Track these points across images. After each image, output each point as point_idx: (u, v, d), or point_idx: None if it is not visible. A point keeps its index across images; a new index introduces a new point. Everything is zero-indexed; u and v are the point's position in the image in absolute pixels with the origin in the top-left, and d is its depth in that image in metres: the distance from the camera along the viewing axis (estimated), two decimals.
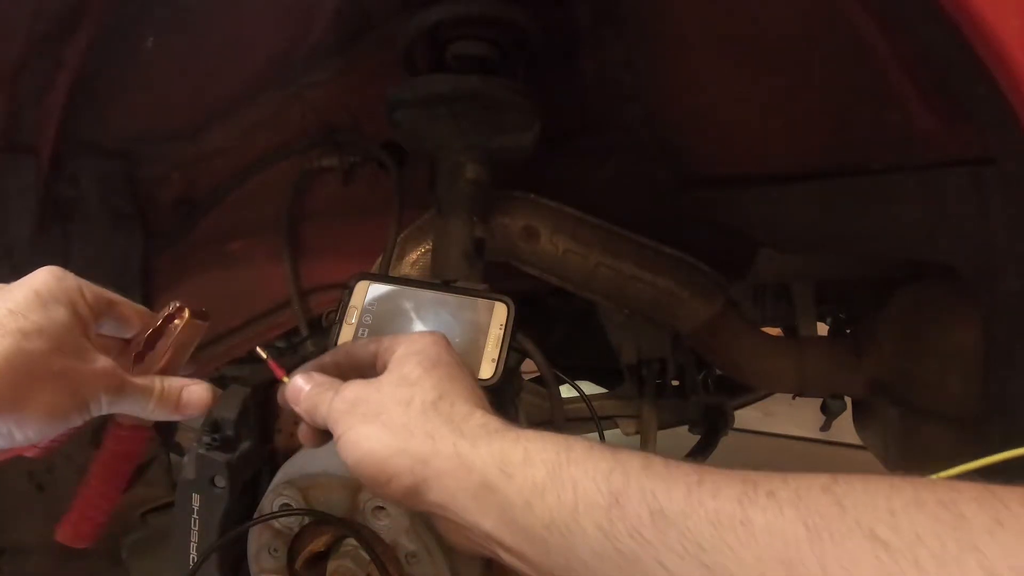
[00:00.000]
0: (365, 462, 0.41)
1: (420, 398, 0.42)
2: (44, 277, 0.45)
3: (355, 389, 0.45)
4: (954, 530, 0.24)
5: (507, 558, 0.38)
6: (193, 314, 0.52)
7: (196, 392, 0.50)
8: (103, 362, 0.45)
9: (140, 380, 0.48)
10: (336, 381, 0.47)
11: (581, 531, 0.33)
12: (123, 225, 0.93)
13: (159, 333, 0.51)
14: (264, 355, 0.55)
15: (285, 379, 0.51)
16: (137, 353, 0.51)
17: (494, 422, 0.40)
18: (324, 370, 0.51)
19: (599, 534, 0.32)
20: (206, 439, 0.63)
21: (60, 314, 0.43)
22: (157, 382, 0.49)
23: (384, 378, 0.45)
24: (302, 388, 0.48)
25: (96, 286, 0.48)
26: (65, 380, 0.42)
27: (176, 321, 0.51)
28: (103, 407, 0.45)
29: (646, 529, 0.31)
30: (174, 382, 0.50)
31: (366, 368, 0.50)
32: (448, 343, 0.49)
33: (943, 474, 0.38)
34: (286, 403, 0.49)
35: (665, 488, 0.32)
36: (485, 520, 0.37)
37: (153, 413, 0.48)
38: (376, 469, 0.40)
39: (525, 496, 0.35)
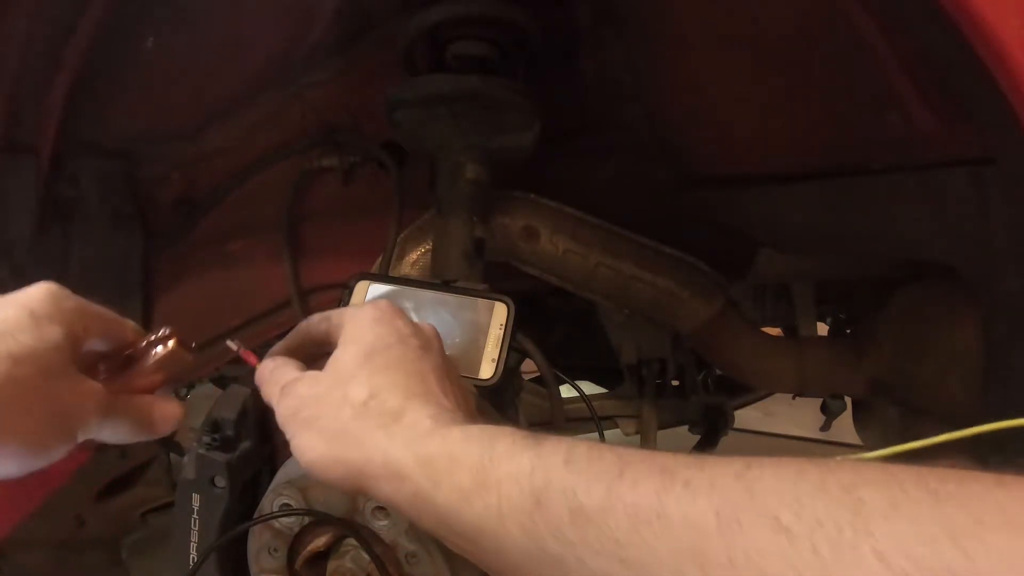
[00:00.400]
0: (311, 470, 0.41)
1: (352, 397, 0.41)
2: (40, 295, 0.42)
3: (297, 390, 0.45)
4: (852, 515, 0.25)
5: (457, 551, 0.38)
6: (180, 343, 0.50)
7: (168, 410, 0.49)
8: (92, 385, 0.43)
9: (123, 401, 0.46)
10: (289, 366, 0.48)
11: (508, 535, 0.33)
12: (123, 225, 0.93)
13: (142, 353, 0.49)
14: (235, 346, 0.55)
15: (256, 364, 0.51)
16: (108, 368, 0.48)
17: (424, 420, 0.39)
18: (288, 352, 0.51)
19: (525, 537, 0.32)
20: (206, 439, 0.63)
21: (53, 335, 0.40)
22: (129, 411, 0.46)
23: (324, 374, 0.45)
24: (262, 373, 0.49)
25: (92, 304, 0.46)
26: (54, 408, 0.40)
27: (161, 348, 0.49)
28: (90, 433, 0.43)
29: (567, 528, 0.31)
30: (144, 400, 0.48)
31: (324, 346, 0.50)
32: (393, 313, 0.48)
33: (869, 455, 0.39)
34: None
35: (585, 484, 0.32)
36: (425, 523, 0.38)
37: (126, 435, 0.46)
38: (322, 477, 0.41)
39: (454, 504, 0.36)
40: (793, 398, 1.07)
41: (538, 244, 0.89)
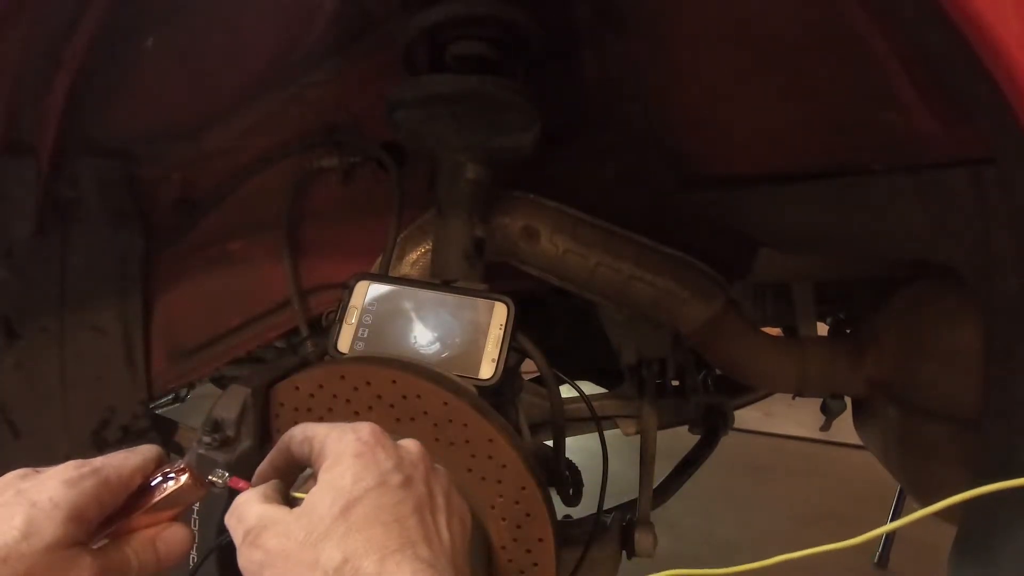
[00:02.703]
0: None
1: (324, 563, 0.39)
2: (57, 489, 0.42)
3: (264, 541, 0.42)
4: None
5: None
6: (194, 477, 0.48)
7: (174, 540, 0.47)
8: (80, 562, 0.42)
9: (121, 549, 0.45)
10: (253, 503, 0.45)
11: None
12: (123, 225, 0.93)
13: (151, 490, 0.47)
14: (219, 481, 0.50)
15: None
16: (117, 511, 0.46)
17: None
18: (274, 470, 0.50)
19: None
20: (206, 439, 0.63)
21: (46, 538, 0.40)
22: (132, 557, 0.45)
23: (296, 524, 0.41)
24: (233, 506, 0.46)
25: (103, 469, 0.45)
26: None
27: (172, 482, 0.47)
28: None
29: None
30: (146, 538, 0.46)
31: (307, 467, 0.48)
32: (376, 443, 0.45)
33: (939, 505, 0.37)
34: None
35: None
36: None
37: None
38: None
39: None
40: (793, 398, 1.06)
41: (538, 244, 0.89)
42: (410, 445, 0.47)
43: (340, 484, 0.42)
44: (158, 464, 0.49)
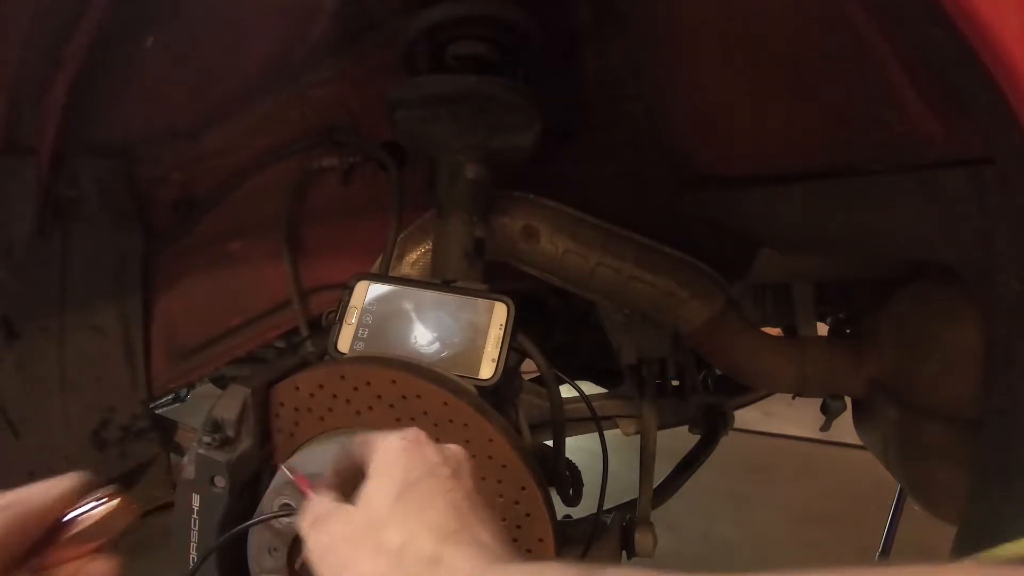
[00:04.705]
0: None
1: (387, 544, 0.40)
2: None
3: (329, 526, 0.44)
4: None
5: None
6: (123, 500, 0.46)
7: (98, 571, 0.45)
8: None
9: None
10: (322, 495, 0.48)
11: None
12: (123, 225, 0.93)
13: (74, 521, 0.45)
14: (290, 474, 0.54)
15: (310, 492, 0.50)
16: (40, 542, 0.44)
17: (462, 567, 0.39)
18: (337, 475, 0.51)
19: None
20: (206, 439, 0.63)
21: None
22: None
23: (356, 511, 0.44)
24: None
25: (19, 503, 0.43)
26: None
27: (100, 509, 0.45)
28: None
29: None
30: (69, 571, 0.44)
31: (363, 469, 0.49)
32: (422, 440, 0.47)
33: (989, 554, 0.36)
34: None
35: None
36: None
37: None
38: None
39: None
40: (793, 398, 1.06)
41: (538, 244, 0.89)
42: (453, 447, 0.50)
43: (392, 473, 0.44)
44: (84, 491, 0.46)
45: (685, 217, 0.94)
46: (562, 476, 0.86)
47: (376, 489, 0.44)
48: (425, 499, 0.43)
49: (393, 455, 0.46)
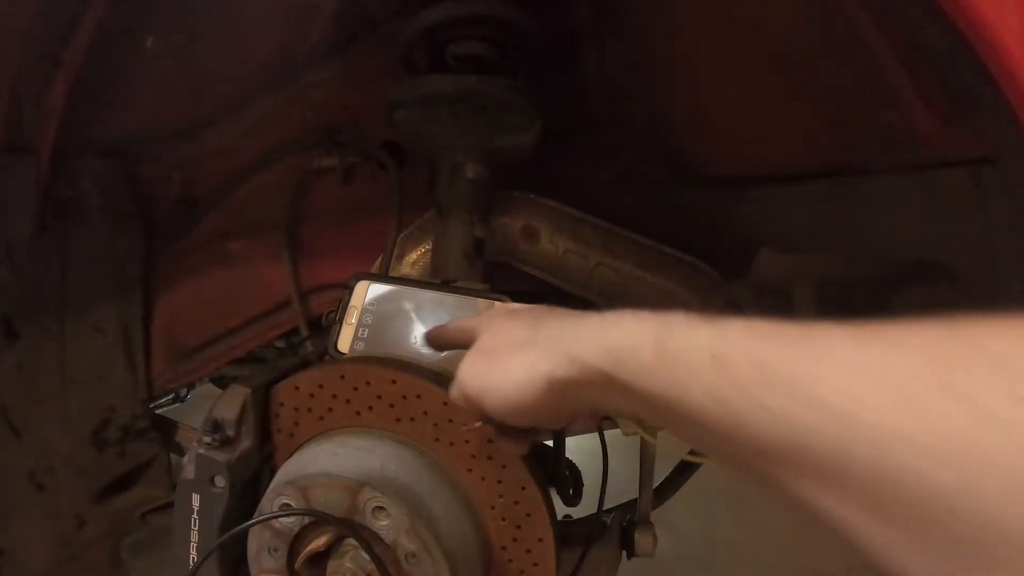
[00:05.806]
0: (514, 390, 0.45)
1: (518, 337, 0.47)
2: None
3: (475, 352, 0.50)
4: None
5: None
6: None
7: None
8: None
9: None
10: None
11: (690, 397, 0.35)
12: (123, 225, 0.93)
13: None
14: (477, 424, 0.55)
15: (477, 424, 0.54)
16: None
17: (592, 320, 0.44)
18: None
19: (709, 399, 0.34)
20: (206, 439, 0.63)
21: None
22: None
23: (485, 335, 0.51)
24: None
25: None
26: None
27: None
28: None
29: (753, 385, 0.32)
30: None
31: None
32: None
33: None
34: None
35: (772, 345, 0.33)
36: (615, 402, 0.42)
37: None
38: (521, 397, 0.44)
39: (641, 377, 0.38)
40: None
41: (538, 244, 0.89)
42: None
43: (494, 312, 0.56)
44: None
45: (685, 217, 0.94)
46: (562, 476, 0.86)
47: (488, 321, 0.52)
48: (529, 315, 0.51)
49: (497, 312, 0.56)
